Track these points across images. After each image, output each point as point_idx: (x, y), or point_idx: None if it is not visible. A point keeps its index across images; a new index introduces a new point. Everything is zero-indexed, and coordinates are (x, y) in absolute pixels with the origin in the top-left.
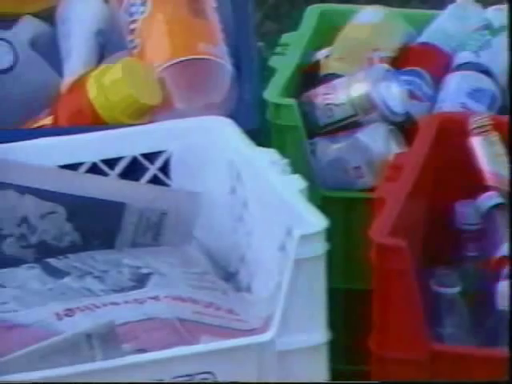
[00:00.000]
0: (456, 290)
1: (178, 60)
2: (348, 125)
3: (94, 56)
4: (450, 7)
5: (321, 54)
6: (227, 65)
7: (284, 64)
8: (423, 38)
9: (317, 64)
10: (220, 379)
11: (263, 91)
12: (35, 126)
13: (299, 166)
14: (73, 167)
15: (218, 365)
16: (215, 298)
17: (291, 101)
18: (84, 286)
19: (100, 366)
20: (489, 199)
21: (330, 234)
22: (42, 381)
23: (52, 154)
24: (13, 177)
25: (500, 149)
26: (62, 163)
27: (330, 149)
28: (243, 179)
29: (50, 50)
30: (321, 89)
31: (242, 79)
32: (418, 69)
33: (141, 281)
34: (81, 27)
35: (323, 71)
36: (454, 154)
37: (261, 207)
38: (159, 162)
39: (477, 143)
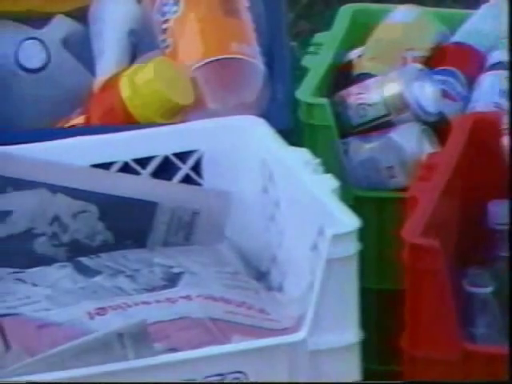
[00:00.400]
0: (489, 289)
1: (211, 59)
2: (381, 124)
3: (127, 56)
4: (484, 7)
5: (354, 54)
6: (260, 64)
7: (317, 63)
8: (457, 38)
9: (350, 63)
10: (251, 379)
11: (296, 91)
12: (67, 125)
13: (331, 165)
14: (105, 166)
15: (250, 364)
16: (247, 298)
17: (324, 100)
18: (116, 285)
19: (132, 365)
20: None
21: (363, 233)
22: (73, 380)
23: (84, 153)
24: (45, 176)
25: None
26: (94, 162)
27: (362, 148)
28: (275, 179)
29: (82, 50)
30: (354, 88)
31: (275, 79)
32: (451, 68)
33: (172, 280)
34: (113, 27)
35: (356, 71)
36: (487, 153)
37: (293, 207)
38: (191, 162)
39: (510, 142)
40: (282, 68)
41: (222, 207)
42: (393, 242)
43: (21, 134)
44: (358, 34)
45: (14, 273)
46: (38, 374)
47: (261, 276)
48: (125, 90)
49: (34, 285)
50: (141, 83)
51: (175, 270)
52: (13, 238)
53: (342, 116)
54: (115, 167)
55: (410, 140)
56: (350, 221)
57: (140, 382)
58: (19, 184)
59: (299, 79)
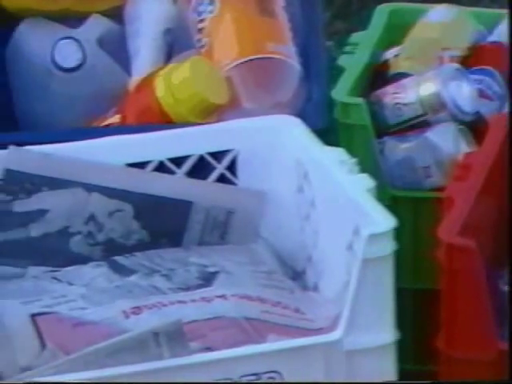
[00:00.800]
0: None
1: (246, 59)
2: (417, 124)
3: (162, 55)
4: None
5: (390, 53)
6: (295, 64)
7: (353, 63)
8: (494, 37)
9: (386, 63)
10: (287, 378)
11: (332, 90)
12: (103, 124)
13: (367, 165)
14: (140, 165)
15: (285, 364)
16: (282, 297)
17: (360, 100)
18: (151, 284)
19: (167, 364)
20: None
21: (399, 233)
22: (108, 380)
23: (119, 152)
24: (81, 175)
25: None
26: (129, 161)
27: (398, 148)
28: (311, 178)
29: (117, 49)
30: (390, 88)
31: (311, 78)
32: (488, 68)
33: (208, 279)
34: (149, 26)
35: (392, 70)
36: None
37: (328, 206)
38: (226, 161)
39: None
40: (318, 68)
41: (257, 207)
42: (429, 241)
43: (57, 134)
44: (395, 33)
45: (49, 271)
46: (73, 373)
47: (296, 275)
48: (160, 89)
49: (70, 284)
50: (176, 83)
51: (210, 269)
52: (49, 237)
53: (378, 116)
54: (150, 166)
55: (446, 140)
56: (385, 221)
57: (175, 381)
58: (55, 183)
59: (335, 79)
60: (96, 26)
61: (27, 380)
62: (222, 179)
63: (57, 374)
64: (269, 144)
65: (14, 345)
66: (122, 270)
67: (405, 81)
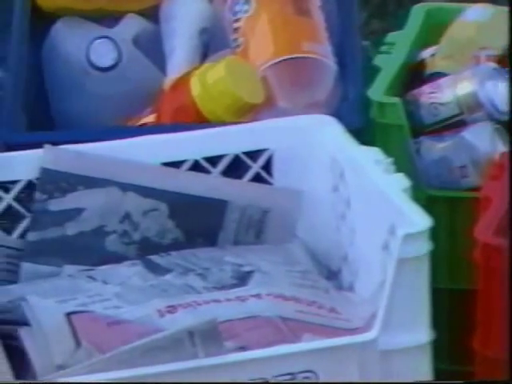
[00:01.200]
0: None
1: (282, 59)
2: (453, 124)
3: (198, 54)
4: None
5: (426, 53)
6: (331, 63)
7: (389, 63)
8: None
9: (422, 63)
10: (322, 378)
11: (368, 90)
12: (138, 123)
13: (403, 165)
14: (175, 165)
15: (320, 364)
16: (317, 297)
17: (396, 99)
18: (186, 283)
19: (202, 363)
20: None
21: (434, 233)
22: (143, 380)
23: (155, 151)
24: (116, 174)
25: None
26: (164, 161)
27: (434, 148)
28: (346, 177)
29: (153, 48)
30: (426, 87)
31: (347, 78)
32: None
33: (243, 278)
34: (185, 26)
35: (429, 70)
36: None
37: (364, 206)
38: (262, 161)
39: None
40: (354, 67)
41: (293, 206)
42: (465, 241)
43: (92, 133)
44: (431, 33)
45: (85, 270)
46: (107, 372)
47: (331, 275)
48: (195, 88)
49: (105, 282)
50: (211, 82)
51: (246, 269)
52: (84, 236)
53: (414, 115)
54: (186, 166)
55: (482, 139)
56: (421, 220)
57: (210, 380)
58: (90, 182)
59: (371, 79)
60: (131, 26)
61: (62, 379)
62: (257, 178)
63: (91, 373)
64: (304, 143)
65: (49, 343)
66: (156, 269)
67: (441, 80)
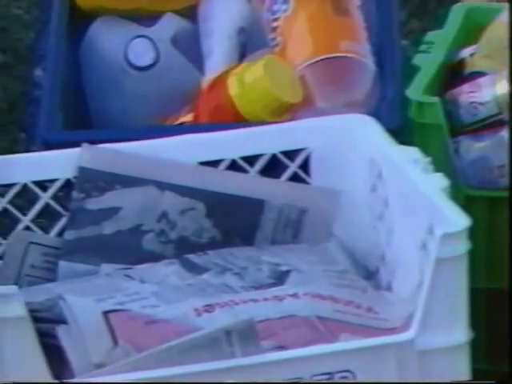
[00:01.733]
0: None
1: (320, 58)
2: (492, 123)
3: (236, 54)
4: None
5: (466, 52)
6: (370, 63)
7: (428, 62)
8: None
9: (461, 62)
10: (359, 378)
11: (406, 89)
12: (176, 122)
13: (442, 164)
14: (213, 164)
15: (358, 363)
16: (355, 297)
17: (435, 99)
18: (223, 283)
19: (239, 362)
20: None
21: (473, 233)
22: (180, 379)
23: (192, 150)
24: (153, 173)
25: None
26: (201, 160)
27: (473, 147)
28: (384, 177)
29: (191, 48)
30: (465, 87)
31: (385, 77)
32: None
33: (280, 278)
34: (223, 25)
35: (468, 69)
36: None
37: (402, 205)
38: (299, 160)
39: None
40: (393, 67)
41: (330, 205)
42: (504, 241)
43: (130, 132)
44: (471, 32)
45: (122, 269)
46: (145, 371)
47: (369, 275)
48: (233, 87)
49: (142, 281)
50: (249, 81)
51: (283, 268)
52: (121, 235)
53: (453, 115)
54: (223, 165)
55: None
56: (459, 220)
57: (247, 380)
58: (128, 181)
59: (410, 78)
60: (170, 25)
61: (100, 378)
62: (294, 178)
63: (129, 372)
64: (342, 143)
65: (86, 342)
66: (194, 268)
67: (481, 80)
